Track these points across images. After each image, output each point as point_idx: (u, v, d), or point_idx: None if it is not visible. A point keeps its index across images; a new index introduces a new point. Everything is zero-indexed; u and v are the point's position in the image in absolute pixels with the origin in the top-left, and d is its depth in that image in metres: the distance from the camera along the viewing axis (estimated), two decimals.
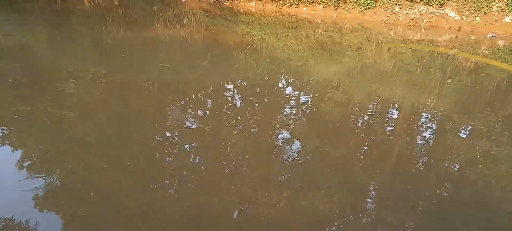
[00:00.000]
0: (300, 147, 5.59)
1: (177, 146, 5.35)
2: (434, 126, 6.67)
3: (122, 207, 4.00)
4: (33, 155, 4.63)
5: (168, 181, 4.56)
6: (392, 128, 6.46)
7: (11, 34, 9.10)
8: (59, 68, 7.45)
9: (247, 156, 5.27)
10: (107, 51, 8.97)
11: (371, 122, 6.63)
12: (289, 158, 5.27)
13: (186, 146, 5.37)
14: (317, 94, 7.53)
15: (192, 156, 5.14)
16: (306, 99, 7.27)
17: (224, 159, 5.12)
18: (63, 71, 7.32)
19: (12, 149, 4.69)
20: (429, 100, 7.53)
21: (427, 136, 6.32)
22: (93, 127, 5.35)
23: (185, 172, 4.75)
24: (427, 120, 6.86)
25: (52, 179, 4.26)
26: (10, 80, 6.64)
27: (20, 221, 3.65)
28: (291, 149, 5.52)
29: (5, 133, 4.96)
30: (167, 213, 4.02)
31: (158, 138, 5.43)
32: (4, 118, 5.20)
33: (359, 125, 6.47)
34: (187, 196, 4.31)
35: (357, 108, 7.02)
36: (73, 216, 3.88)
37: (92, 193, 4.16)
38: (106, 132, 5.33)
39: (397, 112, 7.08)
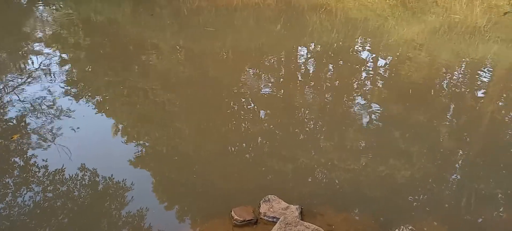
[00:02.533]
0: (379, 112, 5.37)
1: (253, 112, 5.46)
2: None
3: (202, 171, 4.23)
4: (124, 121, 5.07)
5: (245, 145, 4.70)
6: (484, 91, 5.87)
7: (100, 10, 9.87)
8: (144, 40, 7.93)
9: (322, 122, 5.21)
10: (185, 22, 9.32)
11: (459, 84, 6.08)
12: (367, 124, 5.09)
13: (262, 112, 5.46)
14: (397, 57, 7.08)
15: (267, 122, 5.22)
16: (385, 62, 6.89)
17: (299, 125, 5.12)
18: (147, 43, 7.78)
19: (106, 115, 5.18)
20: None
21: None
22: (175, 95, 5.67)
23: (259, 138, 4.86)
24: None
25: (141, 143, 4.64)
26: (102, 52, 7.25)
27: (116, 181, 4.07)
28: (370, 114, 5.32)
29: (100, 100, 5.47)
30: (243, 177, 4.17)
31: (234, 105, 5.59)
32: (98, 88, 5.74)
33: (445, 88, 5.99)
34: (263, 161, 4.42)
35: (444, 70, 6.48)
36: (160, 177, 4.21)
37: (176, 158, 4.46)
38: (188, 99, 5.62)
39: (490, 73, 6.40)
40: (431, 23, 8.36)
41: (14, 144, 4.30)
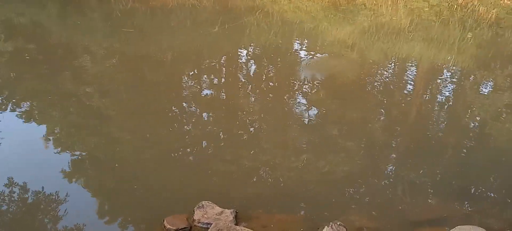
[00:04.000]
0: (317, 110, 5.58)
1: (193, 116, 5.40)
2: (453, 83, 6.55)
3: (138, 179, 4.08)
4: (56, 130, 4.74)
5: (182, 150, 4.63)
6: (411, 87, 6.36)
7: (23, 12, 9.14)
8: (73, 44, 7.48)
9: (262, 123, 5.30)
10: (117, 24, 8.94)
11: (389, 81, 6.53)
12: (306, 122, 5.27)
13: (204, 115, 5.42)
14: (332, 56, 7.42)
15: (210, 125, 5.19)
16: (320, 62, 7.18)
17: (239, 128, 5.15)
18: (77, 46, 7.35)
19: (36, 124, 4.81)
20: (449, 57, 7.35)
21: (447, 93, 6.22)
22: (111, 100, 5.42)
23: (200, 142, 4.82)
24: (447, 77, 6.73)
25: (76, 153, 4.38)
26: (27, 58, 6.72)
27: (50, 193, 3.79)
28: (308, 112, 5.51)
29: (28, 110, 5.07)
30: (181, 184, 4.09)
31: (175, 109, 5.49)
32: (25, 96, 5.30)
33: (376, 85, 6.39)
34: (202, 166, 4.35)
35: (374, 68, 6.92)
36: (98, 187, 4.01)
37: (116, 165, 4.27)
38: (124, 104, 5.40)
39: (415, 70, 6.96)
40: (361, 24, 8.88)
41: None
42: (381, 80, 6.59)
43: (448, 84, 6.57)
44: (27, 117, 4.89)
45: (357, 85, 6.30)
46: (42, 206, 3.65)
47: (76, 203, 3.75)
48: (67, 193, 3.81)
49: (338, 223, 3.40)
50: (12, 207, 3.61)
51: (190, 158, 4.53)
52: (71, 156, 4.32)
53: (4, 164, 4.00)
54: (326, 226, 3.33)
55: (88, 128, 4.81)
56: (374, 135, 5.04)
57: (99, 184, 4.06)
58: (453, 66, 7.11)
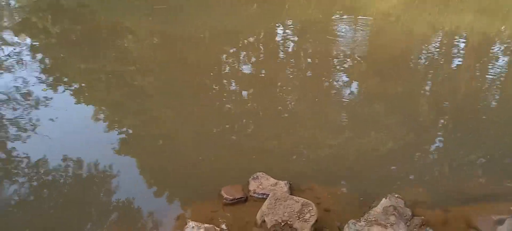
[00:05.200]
0: (359, 86, 5.45)
1: (235, 93, 5.44)
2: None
3: (188, 154, 4.22)
4: (103, 108, 4.96)
5: (228, 126, 4.71)
6: (460, 61, 6.04)
7: None
8: (116, 25, 7.70)
9: (304, 99, 5.26)
10: (153, 1, 9.09)
11: (436, 55, 6.23)
12: (347, 98, 5.17)
13: (244, 93, 5.45)
14: (374, 31, 7.16)
15: (249, 103, 5.22)
16: (363, 37, 6.95)
17: (281, 104, 5.15)
18: (120, 27, 7.56)
19: (85, 103, 5.06)
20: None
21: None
22: (154, 79, 5.57)
23: (243, 119, 4.87)
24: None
25: (123, 129, 4.57)
26: (74, 38, 7.01)
27: (102, 167, 4.01)
28: (349, 89, 5.40)
29: (77, 88, 5.32)
30: (230, 158, 4.19)
31: (215, 87, 5.56)
32: (74, 75, 5.57)
33: (422, 59, 6.12)
34: (248, 141, 4.44)
35: (419, 42, 6.61)
36: (145, 162, 4.18)
37: (160, 142, 4.42)
38: (167, 83, 5.53)
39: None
40: None
41: None
42: (427, 54, 6.30)
43: (500, 57, 6.16)
44: (77, 95, 5.14)
45: (401, 59, 6.07)
46: (96, 180, 3.87)
47: (128, 177, 3.92)
48: (119, 168, 3.99)
49: (396, 195, 3.37)
50: (68, 181, 3.85)
51: (236, 133, 4.60)
52: (120, 132, 4.51)
53: (59, 141, 4.25)
54: (384, 198, 3.31)
55: (133, 106, 4.99)
56: (420, 110, 4.87)
57: (153, 158, 4.20)
58: (508, 38, 6.65)
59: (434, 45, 6.67)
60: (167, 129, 4.57)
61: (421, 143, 4.36)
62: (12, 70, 5.41)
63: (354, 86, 5.46)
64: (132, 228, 3.40)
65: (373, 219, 3.12)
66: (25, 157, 3.99)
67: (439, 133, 4.57)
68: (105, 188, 3.79)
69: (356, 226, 3.08)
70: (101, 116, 4.80)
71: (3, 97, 4.81)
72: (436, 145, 4.42)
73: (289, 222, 3.09)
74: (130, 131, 4.56)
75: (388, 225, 3.06)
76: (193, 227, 3.17)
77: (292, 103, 5.15)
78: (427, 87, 5.49)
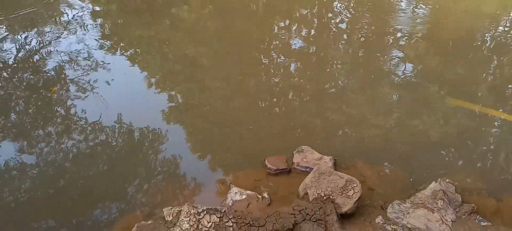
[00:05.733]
0: (415, 66, 5.19)
1: (284, 66, 5.40)
2: None
3: (234, 123, 4.29)
4: (156, 74, 5.14)
5: (275, 99, 4.70)
6: None
7: None
8: None
9: (355, 76, 5.10)
10: None
11: (505, 37, 5.74)
12: (402, 79, 4.95)
13: (292, 66, 5.39)
14: (436, 7, 6.72)
15: (298, 76, 5.16)
16: (423, 13, 6.55)
17: (331, 79, 5.04)
18: None
19: (139, 68, 5.26)
20: None
21: None
22: (206, 49, 5.65)
23: (291, 92, 4.83)
24: None
25: (173, 95, 4.72)
26: (132, 5, 7.24)
27: (152, 130, 4.19)
28: (404, 68, 5.15)
29: (132, 53, 5.54)
30: (275, 130, 4.20)
31: (265, 59, 5.54)
32: (130, 41, 5.79)
33: (488, 41, 5.68)
34: (294, 114, 4.42)
35: (487, 22, 6.11)
36: (192, 129, 4.31)
37: (207, 108, 4.52)
38: (218, 53, 5.60)
39: None
40: None
41: (55, 95, 4.47)
42: (495, 36, 5.82)
43: None
44: (132, 60, 5.36)
45: (465, 40, 5.67)
46: (145, 142, 4.06)
47: (176, 141, 4.08)
48: (168, 132, 4.16)
49: (447, 180, 3.26)
50: (120, 140, 4.07)
51: (283, 107, 4.60)
52: (170, 98, 4.67)
53: (113, 102, 4.47)
54: (434, 182, 3.20)
55: (184, 74, 5.11)
56: (481, 96, 4.57)
57: (200, 125, 4.33)
58: None
59: (504, 25, 6.15)
60: (215, 98, 4.66)
61: (477, 129, 4.11)
62: (75, 32, 5.71)
63: (410, 66, 5.20)
64: (178, 189, 3.56)
65: (420, 202, 3.02)
66: (82, 116, 4.26)
67: (497, 121, 4.27)
68: (153, 149, 3.98)
69: (400, 207, 3.00)
70: (153, 81, 4.98)
71: (66, 58, 5.12)
72: (493, 131, 4.14)
73: (331, 197, 3.07)
74: (180, 98, 4.70)
75: (435, 209, 2.95)
76: (235, 192, 3.25)
77: (342, 80, 5.03)
78: (491, 71, 5.11)
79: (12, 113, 4.16)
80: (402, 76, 4.99)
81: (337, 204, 3.04)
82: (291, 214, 2.84)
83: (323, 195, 3.08)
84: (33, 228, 3.13)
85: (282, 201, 3.23)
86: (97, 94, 4.57)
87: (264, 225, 2.72)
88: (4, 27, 5.63)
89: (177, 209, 2.75)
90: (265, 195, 3.29)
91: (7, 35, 5.49)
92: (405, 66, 5.19)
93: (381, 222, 2.96)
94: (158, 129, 4.19)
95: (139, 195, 3.43)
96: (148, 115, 4.37)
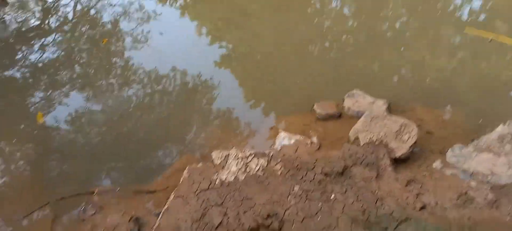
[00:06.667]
0: (483, 4, 4.69)
1: (335, 10, 5.14)
2: None
3: (283, 69, 4.21)
4: (206, 23, 5.13)
5: (327, 44, 4.53)
6: None
7: None
8: None
9: (413, 17, 4.73)
10: None
11: None
12: (466, 19, 4.50)
13: (345, 9, 5.11)
14: None
15: (350, 20, 4.89)
16: None
17: (386, 21, 4.72)
18: None
19: (189, 18, 5.28)
20: None
21: None
22: None
23: (343, 36, 4.62)
24: None
25: (223, 44, 4.72)
26: None
27: (205, 78, 4.26)
28: (470, 7, 4.67)
29: (182, 4, 5.55)
30: (326, 75, 4.07)
31: (318, 4, 5.29)
32: None
33: None
34: (346, 59, 4.24)
35: None
36: (243, 75, 4.31)
37: (258, 57, 4.47)
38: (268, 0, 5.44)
39: None
40: None
41: (112, 46, 4.65)
42: None
43: None
44: (183, 11, 5.38)
45: None
46: (200, 89, 4.15)
47: (228, 88, 4.10)
48: (220, 79, 4.19)
49: None
50: (175, 89, 4.19)
51: (334, 51, 4.43)
52: (221, 46, 4.66)
53: (167, 52, 4.57)
54: (501, 125, 2.94)
55: (235, 22, 5.05)
56: None
57: (251, 71, 4.32)
58: None
59: None
60: (266, 45, 4.58)
61: None
62: None
63: (476, 3, 4.71)
64: (229, 135, 3.62)
65: (484, 146, 2.80)
66: (139, 66, 4.41)
67: None
68: (206, 97, 4.05)
69: (462, 150, 2.81)
70: (204, 30, 4.99)
71: (120, 10, 5.26)
72: None
73: (384, 142, 2.95)
74: (231, 46, 4.68)
75: (503, 153, 2.72)
76: (284, 137, 3.24)
77: (400, 23, 4.69)
78: None
79: (76, 66, 4.41)
80: (467, 17, 4.54)
81: (391, 149, 2.92)
82: (341, 158, 2.78)
83: (375, 139, 2.97)
84: (103, 168, 3.36)
85: (331, 146, 3.17)
86: (151, 45, 4.70)
87: (313, 168, 2.70)
88: None
89: (225, 152, 2.81)
90: (314, 139, 3.24)
91: None
92: (471, 4, 4.71)
93: (440, 167, 2.80)
94: (211, 76, 4.24)
95: (193, 140, 3.55)
96: (200, 64, 4.42)
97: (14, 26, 4.55)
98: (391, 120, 3.06)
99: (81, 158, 3.40)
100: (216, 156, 2.83)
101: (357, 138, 3.05)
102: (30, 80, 4.12)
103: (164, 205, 2.65)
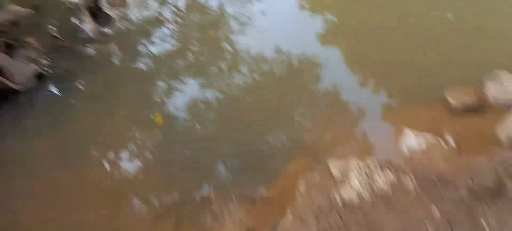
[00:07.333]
0: None
1: None
2: None
3: (401, 46, 3.67)
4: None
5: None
6: None
7: None
8: None
9: None
10: None
11: None
12: None
13: None
14: None
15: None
16: None
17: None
18: None
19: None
20: None
21: None
22: None
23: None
24: None
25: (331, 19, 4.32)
26: None
27: (311, 56, 3.96)
28: None
29: None
30: (459, 50, 3.41)
31: None
32: None
33: None
34: (485, 31, 3.48)
35: None
36: (350, 52, 3.91)
37: (375, 32, 3.98)
38: None
39: None
40: None
41: (220, 32, 4.58)
42: None
43: None
44: None
45: None
46: (305, 68, 3.88)
47: (336, 68, 3.78)
48: (328, 60, 3.85)
49: None
50: (282, 70, 3.95)
51: (468, 22, 3.70)
52: (337, 24, 4.30)
53: (272, 33, 4.32)
54: None
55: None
56: None
57: (364, 50, 3.91)
58: None
59: None
60: (369, 21, 4.05)
61: None
62: None
63: None
64: (345, 129, 3.27)
65: None
66: (246, 48, 4.28)
67: None
68: (315, 82, 3.76)
69: None
70: (305, 5, 4.64)
71: None
72: None
73: None
74: (337, 20, 4.26)
75: None
76: (412, 137, 2.80)
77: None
78: None
79: (189, 53, 4.45)
80: None
81: None
82: (491, 168, 2.26)
83: None
84: (217, 154, 3.28)
85: (474, 149, 2.61)
86: (255, 26, 4.52)
87: (454, 183, 2.24)
88: None
89: (344, 162, 2.50)
90: (450, 140, 2.73)
91: None
92: None
93: None
94: (320, 57, 3.91)
95: (305, 136, 3.30)
96: (304, 43, 4.11)
97: (136, 21, 4.80)
98: None
99: (197, 147, 3.42)
100: (334, 165, 2.54)
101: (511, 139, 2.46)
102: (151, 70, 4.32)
103: (280, 216, 2.51)
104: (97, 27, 4.37)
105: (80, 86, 3.83)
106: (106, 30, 4.46)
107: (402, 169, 2.35)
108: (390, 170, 2.33)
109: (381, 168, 2.36)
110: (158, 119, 3.58)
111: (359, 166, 2.38)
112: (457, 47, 3.42)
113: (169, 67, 4.21)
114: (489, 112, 2.86)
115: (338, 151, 2.93)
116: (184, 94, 3.87)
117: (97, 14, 4.53)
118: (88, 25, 4.30)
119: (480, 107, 2.90)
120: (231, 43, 4.45)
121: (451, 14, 3.83)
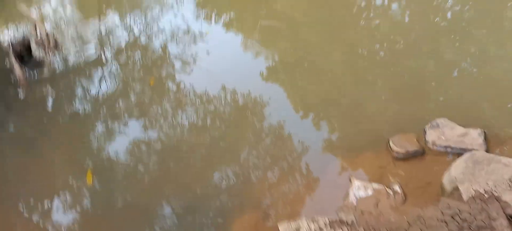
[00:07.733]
0: None
1: (381, 12, 4.52)
2: None
3: (346, 92, 3.68)
4: (251, 38, 4.68)
5: (378, 45, 4.02)
6: None
7: None
8: None
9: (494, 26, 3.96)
10: None
11: None
12: None
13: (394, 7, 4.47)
14: None
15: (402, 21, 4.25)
16: None
17: (460, 30, 4.00)
18: None
19: (234, 33, 4.85)
20: None
21: None
22: (302, 13, 4.99)
23: (391, 36, 4.06)
24: None
25: (270, 56, 4.32)
26: None
27: (254, 96, 3.88)
28: None
29: (226, 21, 5.11)
30: (400, 98, 3.46)
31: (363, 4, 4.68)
32: (220, 7, 5.34)
33: None
34: (426, 77, 3.60)
35: None
36: (294, 91, 3.86)
37: (305, 65, 4.03)
38: (314, 13, 4.92)
39: None
40: None
41: (164, 70, 4.35)
42: None
43: None
44: (228, 28, 4.99)
45: None
46: (250, 106, 3.79)
47: (279, 105, 3.72)
48: (270, 97, 3.80)
49: None
50: (227, 109, 3.81)
51: (408, 73, 3.80)
52: (271, 61, 4.27)
53: (216, 72, 4.19)
54: None
55: (283, 34, 4.59)
56: None
57: (295, 87, 3.90)
58: None
59: None
60: (311, 55, 4.10)
61: None
62: (172, 7, 5.51)
63: None
64: (288, 180, 3.08)
65: None
66: (190, 88, 4.08)
67: None
68: (258, 114, 3.69)
69: None
70: (249, 44, 4.62)
71: (168, 35, 4.94)
72: None
73: (495, 193, 2.30)
74: (277, 58, 4.27)
75: None
76: (359, 187, 2.68)
77: (486, 26, 3.96)
78: None
79: (132, 94, 4.16)
80: None
81: (505, 203, 2.26)
82: (441, 220, 2.17)
83: (482, 191, 2.32)
84: (163, 195, 3.04)
85: (419, 196, 2.57)
86: (199, 66, 4.37)
87: None
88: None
89: (294, 225, 2.28)
90: (397, 188, 2.64)
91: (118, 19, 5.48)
92: None
93: None
94: (260, 95, 3.84)
95: (249, 186, 3.07)
96: (249, 81, 4.07)
97: (74, 63, 4.52)
98: (500, 164, 2.40)
99: (139, 190, 3.08)
100: (284, 229, 2.30)
101: (456, 189, 2.42)
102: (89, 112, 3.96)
103: None
104: (25, 71, 4.14)
105: (11, 130, 3.58)
106: (39, 73, 4.23)
107: (354, 226, 2.18)
108: (341, 229, 2.15)
109: (332, 227, 2.17)
110: (88, 177, 3.22)
111: (309, 227, 2.18)
112: (397, 102, 3.47)
113: (109, 108, 3.93)
114: (430, 157, 2.87)
115: (286, 205, 2.74)
116: (125, 136, 3.61)
117: (26, 57, 4.30)
118: (16, 70, 4.05)
119: (422, 153, 2.90)
120: (175, 82, 4.26)
121: (383, 69, 3.95)
